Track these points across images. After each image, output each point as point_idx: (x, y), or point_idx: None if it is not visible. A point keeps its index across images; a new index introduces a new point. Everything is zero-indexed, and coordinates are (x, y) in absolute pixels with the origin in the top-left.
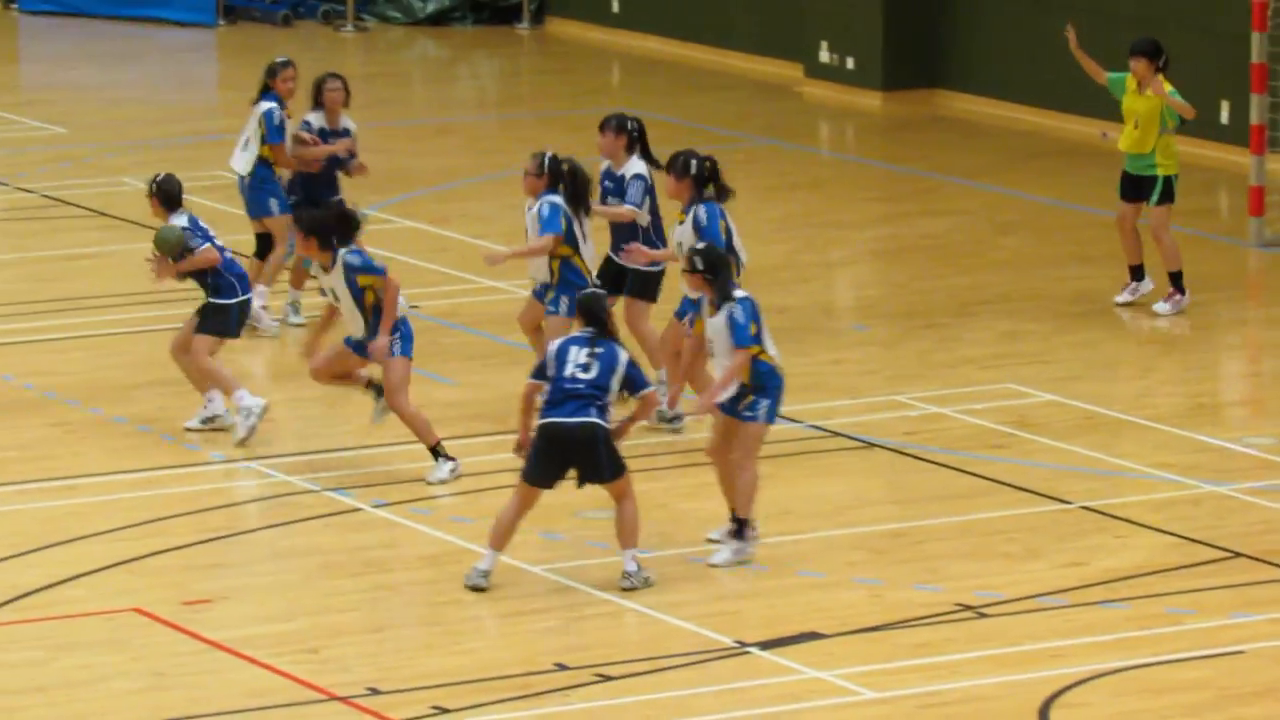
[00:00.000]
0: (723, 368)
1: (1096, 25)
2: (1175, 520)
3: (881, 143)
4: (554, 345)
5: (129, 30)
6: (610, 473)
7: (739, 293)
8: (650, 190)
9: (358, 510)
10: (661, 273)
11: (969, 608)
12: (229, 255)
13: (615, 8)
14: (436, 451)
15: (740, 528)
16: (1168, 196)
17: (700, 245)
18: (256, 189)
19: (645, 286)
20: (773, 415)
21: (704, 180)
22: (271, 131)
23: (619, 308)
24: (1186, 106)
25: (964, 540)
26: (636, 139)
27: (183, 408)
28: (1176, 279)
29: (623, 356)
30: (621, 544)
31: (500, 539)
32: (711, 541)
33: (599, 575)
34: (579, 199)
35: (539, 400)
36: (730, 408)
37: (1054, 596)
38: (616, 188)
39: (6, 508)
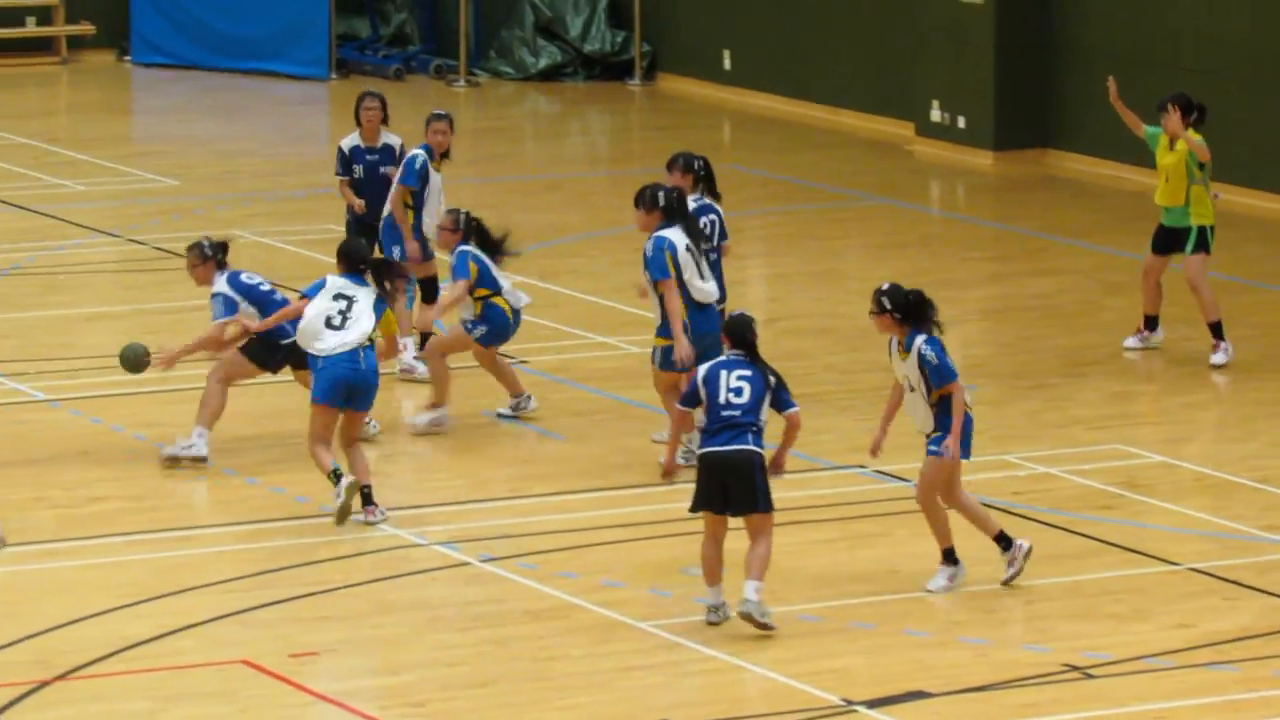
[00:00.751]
0: (920, 409)
1: (1203, 86)
2: None
3: (992, 202)
4: (702, 371)
5: (241, 83)
6: (764, 504)
7: (921, 335)
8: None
9: (466, 564)
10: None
11: (1076, 668)
12: (278, 297)
13: (727, 65)
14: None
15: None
16: (1203, 246)
17: (885, 286)
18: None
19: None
20: (965, 452)
21: (672, 212)
22: (406, 174)
23: None
24: (1202, 147)
25: (1072, 600)
26: (702, 178)
27: (293, 460)
28: (1217, 329)
29: (771, 378)
30: (748, 572)
31: (712, 574)
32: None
33: (706, 632)
34: None
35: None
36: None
37: (1161, 658)
38: None
39: (117, 558)
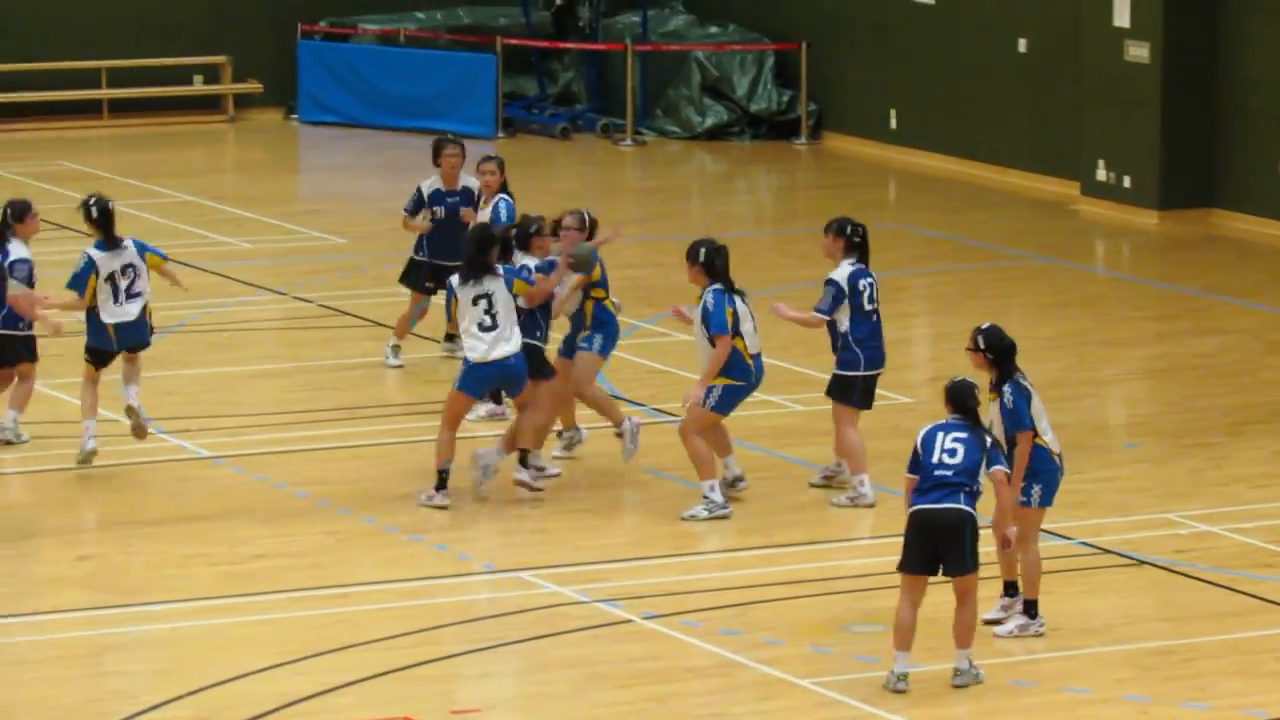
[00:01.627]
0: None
1: None
2: None
3: (1156, 261)
4: (921, 433)
5: (408, 141)
6: (972, 564)
7: (1018, 377)
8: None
9: (628, 621)
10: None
11: None
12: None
13: (893, 124)
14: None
15: (1028, 608)
16: None
17: (985, 325)
18: None
19: None
20: (1046, 499)
21: (713, 267)
22: (503, 218)
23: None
24: None
25: (1233, 658)
26: (857, 244)
27: (455, 517)
28: None
29: (987, 440)
30: (958, 643)
31: (903, 639)
32: (989, 622)
33: (866, 689)
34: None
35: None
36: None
37: None
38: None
39: (278, 615)
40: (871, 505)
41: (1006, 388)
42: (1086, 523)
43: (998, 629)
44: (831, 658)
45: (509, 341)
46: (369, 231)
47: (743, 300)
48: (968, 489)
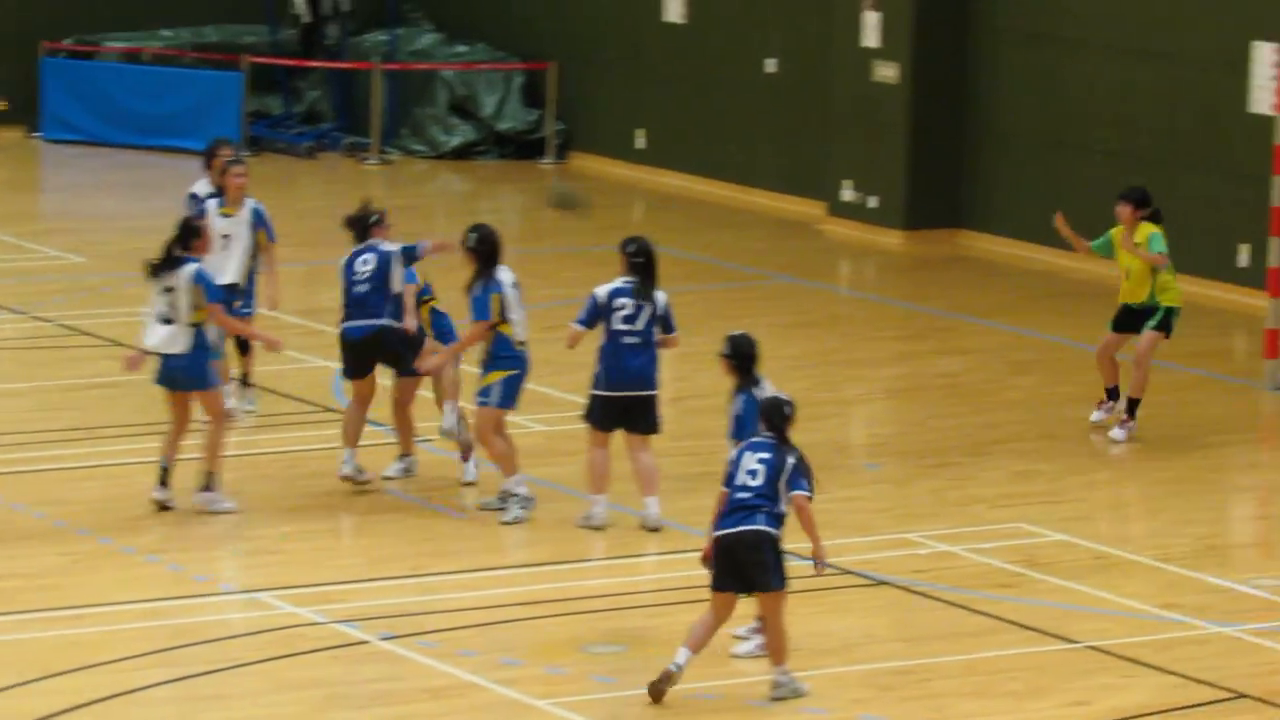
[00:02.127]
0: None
1: (1116, 168)
2: (1181, 660)
3: (901, 281)
4: (734, 452)
5: (151, 160)
6: (776, 582)
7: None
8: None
9: (365, 642)
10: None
11: None
12: None
13: (640, 144)
14: None
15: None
16: (1165, 327)
17: (734, 332)
18: None
19: None
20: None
21: (481, 253)
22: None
23: None
24: (1155, 257)
25: (970, 679)
26: (636, 264)
27: (193, 538)
28: (1134, 406)
29: (790, 460)
30: (772, 659)
31: (697, 642)
32: (737, 637)
33: (602, 710)
34: None
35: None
36: None
37: None
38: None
39: (13, 636)
40: (600, 528)
41: (739, 395)
42: (827, 543)
43: (736, 648)
44: (569, 678)
45: (177, 341)
46: (109, 250)
47: (514, 287)
48: (768, 510)
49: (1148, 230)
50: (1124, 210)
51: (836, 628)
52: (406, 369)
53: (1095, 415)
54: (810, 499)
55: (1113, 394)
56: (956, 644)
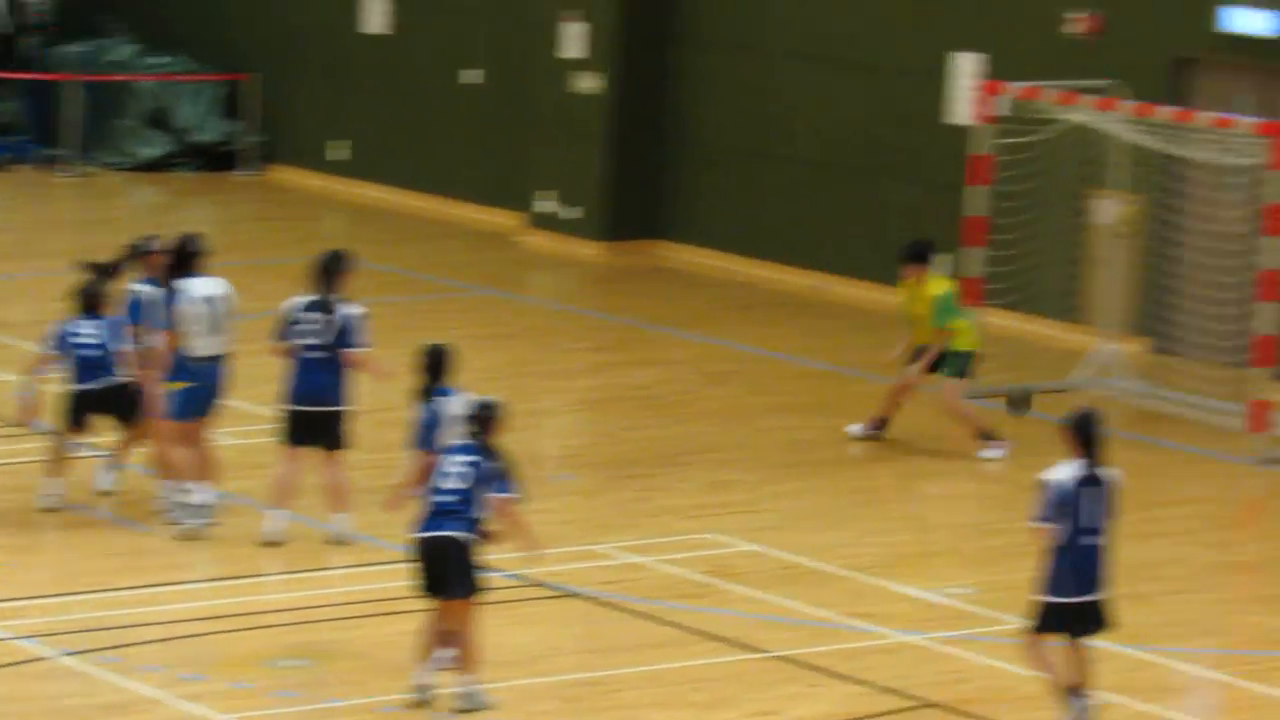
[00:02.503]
0: None
1: (817, 178)
2: (869, 669)
3: (598, 293)
4: (442, 452)
5: None
6: (462, 590)
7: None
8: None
9: (46, 659)
10: None
11: None
12: None
13: (340, 155)
14: None
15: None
16: (961, 372)
17: (429, 343)
18: None
19: None
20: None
21: (176, 262)
22: None
23: None
24: (942, 314)
25: (656, 689)
26: (319, 274)
27: None
28: (989, 435)
29: (491, 465)
30: (461, 670)
31: (423, 649)
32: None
33: None
34: None
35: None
36: None
37: None
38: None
39: None
40: (278, 543)
41: (423, 405)
42: (517, 555)
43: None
44: (253, 693)
45: None
46: None
47: (207, 302)
48: (464, 515)
49: (940, 287)
50: (910, 270)
51: (524, 640)
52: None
53: (855, 429)
54: (516, 501)
55: (881, 425)
56: (644, 655)
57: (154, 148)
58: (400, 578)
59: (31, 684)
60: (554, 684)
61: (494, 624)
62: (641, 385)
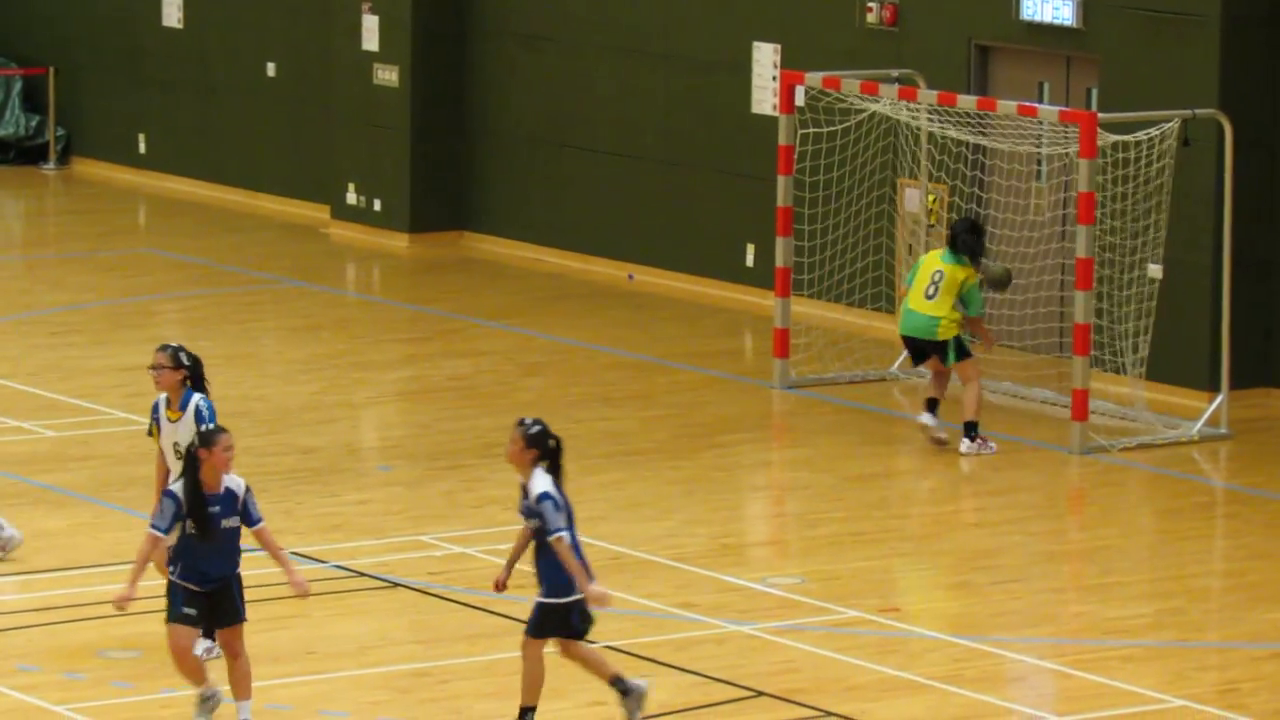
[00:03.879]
0: None
1: (620, 169)
2: (699, 659)
3: (407, 284)
4: None
5: None
6: (229, 619)
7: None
8: None
9: None
10: None
11: None
12: None
13: (142, 148)
14: None
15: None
16: (962, 354)
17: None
18: None
19: None
20: None
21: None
22: None
23: None
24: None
25: (488, 679)
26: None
27: None
28: (971, 428)
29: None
30: (236, 695)
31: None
32: None
33: (124, 714)
34: None
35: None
36: None
37: None
38: None
39: None
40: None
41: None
42: (341, 545)
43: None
44: (86, 683)
45: None
46: None
47: None
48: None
49: (969, 279)
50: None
51: (353, 631)
52: None
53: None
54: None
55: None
56: (474, 645)
57: None
58: None
59: None
60: (385, 674)
61: (323, 614)
62: (456, 376)
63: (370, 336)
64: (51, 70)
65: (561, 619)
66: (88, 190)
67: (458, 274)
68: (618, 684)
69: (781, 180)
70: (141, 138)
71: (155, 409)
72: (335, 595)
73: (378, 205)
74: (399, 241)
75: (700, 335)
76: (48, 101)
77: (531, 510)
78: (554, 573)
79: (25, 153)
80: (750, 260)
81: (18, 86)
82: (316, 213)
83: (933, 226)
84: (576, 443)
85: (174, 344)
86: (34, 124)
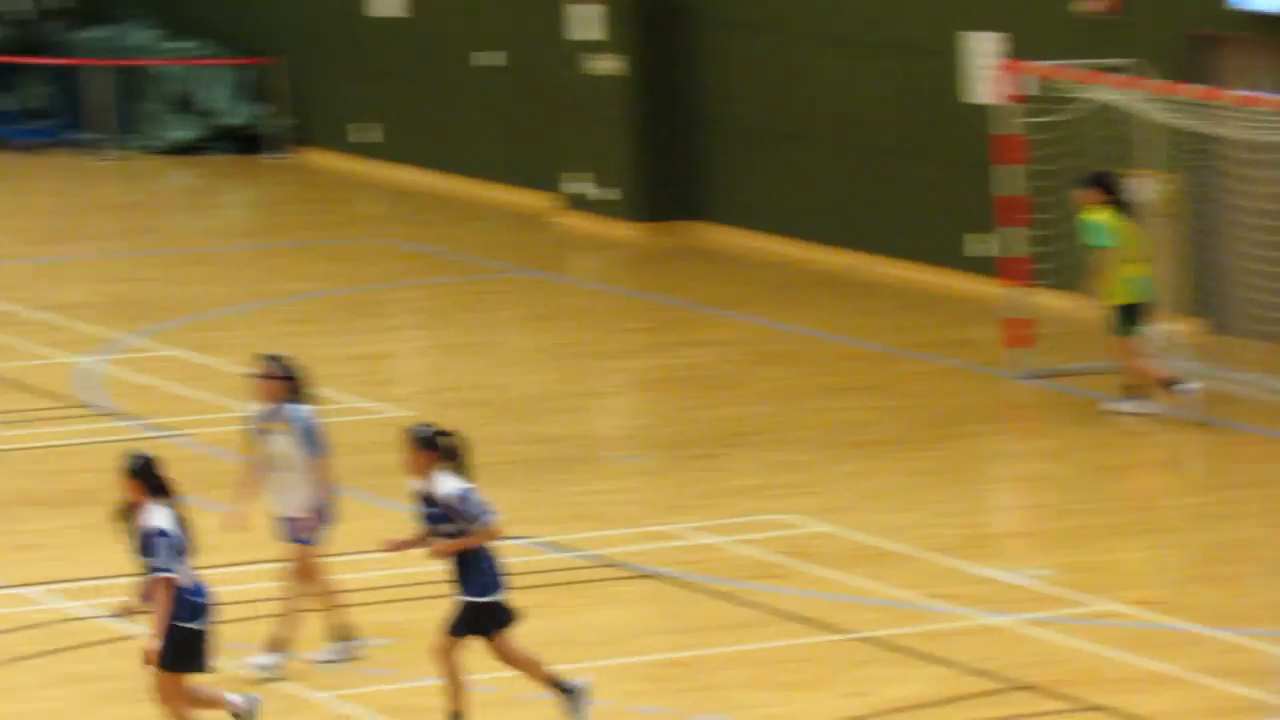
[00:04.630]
0: None
1: (841, 158)
2: (955, 651)
3: (639, 274)
4: None
5: None
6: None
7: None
8: None
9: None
10: None
11: None
12: None
13: (371, 138)
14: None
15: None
16: (1121, 328)
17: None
18: None
19: None
20: None
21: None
22: None
23: None
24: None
25: (744, 670)
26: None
27: None
28: (1168, 382)
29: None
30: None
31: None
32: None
33: (385, 701)
34: None
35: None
36: None
37: None
38: None
39: None
40: None
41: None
42: (590, 535)
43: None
44: (340, 670)
45: None
46: None
47: None
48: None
49: (1094, 214)
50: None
51: (607, 620)
52: None
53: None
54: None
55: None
56: (727, 635)
57: (183, 131)
58: None
59: (128, 661)
60: (642, 664)
61: (578, 604)
62: (695, 366)
63: (605, 326)
64: (278, 60)
65: (489, 617)
66: (315, 179)
67: (686, 262)
68: (558, 685)
69: (1004, 170)
70: (365, 127)
71: (254, 418)
72: (587, 584)
73: (610, 195)
74: (627, 230)
75: (927, 325)
76: (276, 90)
77: (447, 513)
78: (476, 572)
79: (252, 141)
80: (972, 249)
81: (244, 76)
82: (540, 201)
83: (1169, 217)
84: (819, 431)
85: (279, 354)
86: (261, 113)
